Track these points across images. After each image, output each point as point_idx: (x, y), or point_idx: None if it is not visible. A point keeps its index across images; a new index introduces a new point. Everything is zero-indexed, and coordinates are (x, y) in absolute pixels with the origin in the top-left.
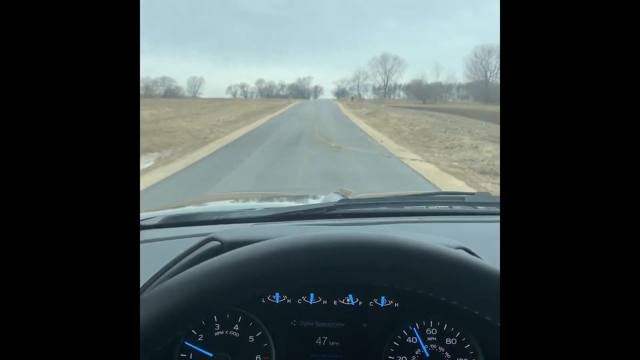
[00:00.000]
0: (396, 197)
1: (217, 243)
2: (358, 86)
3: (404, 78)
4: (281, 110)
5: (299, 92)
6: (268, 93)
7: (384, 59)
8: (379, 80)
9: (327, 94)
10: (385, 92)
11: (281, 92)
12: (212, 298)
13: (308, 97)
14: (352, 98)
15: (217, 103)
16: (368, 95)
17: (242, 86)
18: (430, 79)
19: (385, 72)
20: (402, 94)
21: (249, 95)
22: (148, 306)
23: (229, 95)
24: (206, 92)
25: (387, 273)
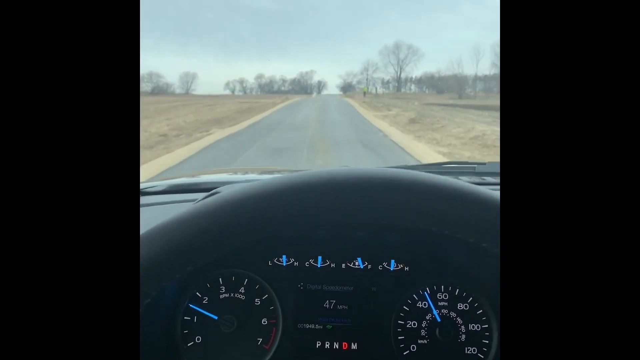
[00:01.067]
0: (405, 167)
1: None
2: (367, 79)
3: (420, 69)
4: (261, 116)
5: (301, 87)
6: (269, 89)
7: (397, 47)
8: (390, 72)
9: (332, 89)
10: (398, 85)
11: (282, 88)
12: (209, 236)
13: (311, 93)
14: (365, 93)
15: (194, 101)
16: (377, 90)
17: (241, 82)
18: (441, 71)
19: (398, 62)
20: (413, 87)
21: (248, 91)
22: (145, 244)
23: (227, 92)
24: (201, 89)
25: (387, 208)
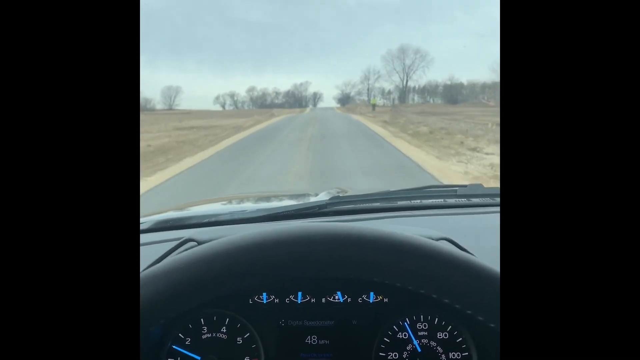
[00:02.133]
0: (388, 192)
1: (194, 244)
2: (368, 89)
3: (430, 75)
4: (203, 155)
5: (296, 99)
6: (261, 102)
7: (402, 52)
8: (395, 80)
9: (328, 101)
10: (403, 95)
11: (276, 101)
12: (181, 292)
13: (306, 106)
14: (374, 106)
15: (162, 118)
16: (378, 101)
17: (232, 95)
18: (454, 77)
19: (404, 69)
20: (416, 97)
21: (239, 105)
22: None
23: (217, 107)
24: (187, 104)
25: (380, 269)
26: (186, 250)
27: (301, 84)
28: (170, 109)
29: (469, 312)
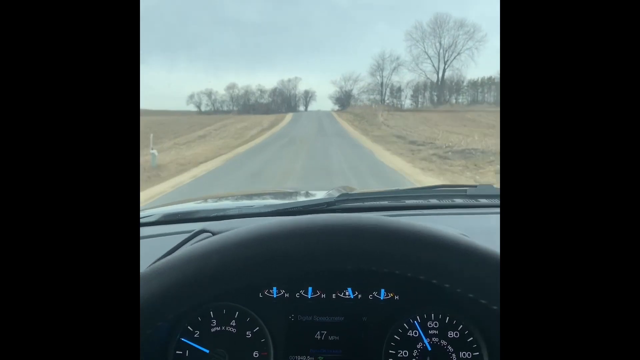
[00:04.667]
0: (397, 191)
1: (208, 234)
2: (382, 84)
3: (482, 61)
4: None
5: (284, 99)
6: (244, 101)
7: (438, 25)
8: (427, 69)
9: (323, 102)
10: (441, 92)
11: (261, 100)
12: (197, 283)
13: (295, 107)
14: None
15: None
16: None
17: (209, 94)
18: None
19: (440, 51)
20: (460, 98)
21: (217, 105)
22: (142, 285)
23: (191, 107)
24: (151, 103)
25: (386, 258)
26: (201, 240)
27: (289, 81)
28: None
29: (483, 301)
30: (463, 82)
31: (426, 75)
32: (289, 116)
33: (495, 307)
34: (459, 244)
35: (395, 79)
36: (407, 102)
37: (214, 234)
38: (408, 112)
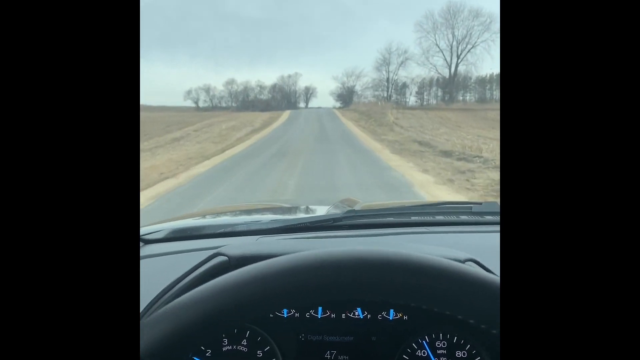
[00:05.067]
0: (403, 207)
1: (224, 258)
2: (389, 79)
3: (495, 55)
4: None
5: (284, 95)
6: (243, 97)
7: (451, 15)
8: (437, 63)
9: (324, 98)
10: (452, 87)
11: (261, 96)
12: (225, 315)
13: (296, 105)
14: None
15: None
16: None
17: (207, 89)
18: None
19: (452, 44)
20: (468, 95)
21: (215, 101)
22: (161, 324)
23: (189, 103)
24: (152, 100)
25: (395, 290)
26: (214, 265)
27: (289, 77)
28: None
29: (483, 326)
30: (471, 78)
31: (437, 70)
32: (285, 114)
33: (495, 332)
34: (464, 275)
35: (403, 74)
36: (412, 100)
37: (229, 257)
38: (419, 110)
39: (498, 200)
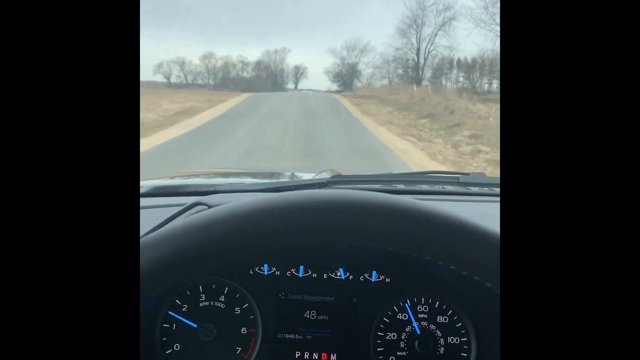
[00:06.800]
0: (389, 175)
1: (203, 207)
2: (418, 50)
3: None
4: None
5: (269, 74)
6: (223, 74)
7: None
8: (486, 23)
9: (317, 79)
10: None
11: (243, 74)
12: (197, 254)
13: (283, 86)
14: None
15: None
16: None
17: (181, 63)
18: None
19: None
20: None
21: (190, 77)
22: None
23: (160, 78)
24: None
25: (383, 234)
26: (198, 212)
27: (276, 52)
28: None
29: (476, 278)
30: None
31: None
32: (242, 97)
33: (489, 285)
34: (460, 223)
35: (441, 42)
36: (449, 84)
37: (209, 206)
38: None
39: (483, 172)
